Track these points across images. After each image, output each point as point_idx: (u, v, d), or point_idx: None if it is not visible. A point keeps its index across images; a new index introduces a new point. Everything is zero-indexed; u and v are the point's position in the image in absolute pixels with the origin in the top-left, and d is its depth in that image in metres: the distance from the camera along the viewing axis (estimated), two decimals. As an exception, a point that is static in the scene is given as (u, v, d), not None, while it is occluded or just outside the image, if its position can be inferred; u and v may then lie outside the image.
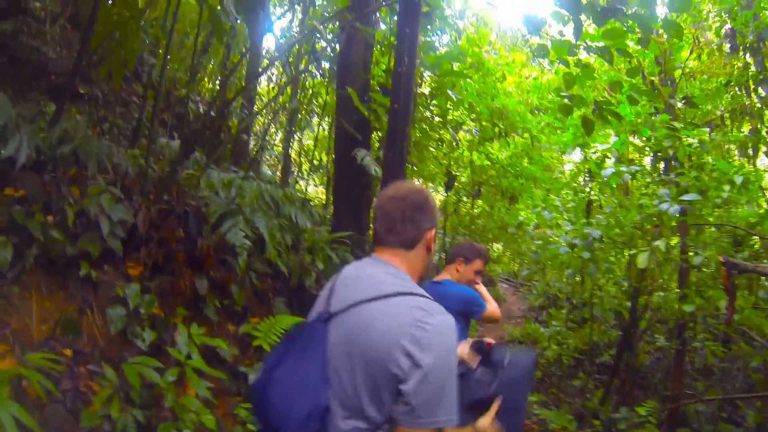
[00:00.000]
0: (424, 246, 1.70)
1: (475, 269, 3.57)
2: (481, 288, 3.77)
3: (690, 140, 7.10)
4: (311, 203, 9.84)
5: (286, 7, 10.76)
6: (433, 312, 1.49)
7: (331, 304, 1.62)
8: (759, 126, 8.93)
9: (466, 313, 3.42)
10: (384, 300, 1.52)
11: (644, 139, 7.84)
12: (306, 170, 11.02)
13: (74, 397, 3.21)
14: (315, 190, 15.07)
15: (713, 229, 6.94)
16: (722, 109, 10.00)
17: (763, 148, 9.72)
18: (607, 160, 7.28)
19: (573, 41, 4.84)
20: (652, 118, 7.79)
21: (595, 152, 7.16)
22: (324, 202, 12.90)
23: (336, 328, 1.56)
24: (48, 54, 6.38)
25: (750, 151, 9.66)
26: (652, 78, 10.50)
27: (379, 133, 7.67)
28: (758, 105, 8.38)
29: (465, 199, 13.02)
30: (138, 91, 7.66)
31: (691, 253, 6.05)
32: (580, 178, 9.32)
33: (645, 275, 8.46)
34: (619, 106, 7.02)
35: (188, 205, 4.63)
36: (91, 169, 4.08)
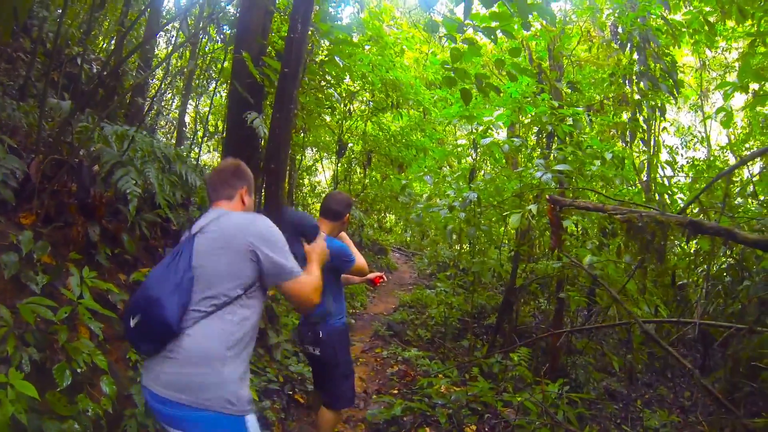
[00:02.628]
0: (240, 198, 2.54)
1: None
2: (348, 240, 3.88)
3: (569, 120, 7.85)
4: (205, 167, 9.78)
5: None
6: (257, 218, 2.39)
7: (192, 230, 2.44)
8: (637, 115, 9.93)
9: (336, 267, 3.50)
10: (228, 215, 2.40)
11: (529, 116, 8.54)
12: (200, 137, 10.95)
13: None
14: (210, 156, 14.92)
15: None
16: (605, 97, 10.98)
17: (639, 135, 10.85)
18: (494, 133, 7.86)
19: (462, 20, 5.30)
20: (536, 97, 8.51)
21: (481, 125, 7.70)
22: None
23: (199, 238, 2.33)
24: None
25: (628, 137, 10.72)
26: (540, 62, 11.34)
27: (273, 99, 7.71)
28: (637, 96, 9.29)
29: (358, 169, 13.36)
30: (26, 46, 7.30)
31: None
32: (470, 150, 9.93)
33: (526, 241, 9.26)
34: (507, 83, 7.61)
35: (81, 157, 4.64)
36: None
